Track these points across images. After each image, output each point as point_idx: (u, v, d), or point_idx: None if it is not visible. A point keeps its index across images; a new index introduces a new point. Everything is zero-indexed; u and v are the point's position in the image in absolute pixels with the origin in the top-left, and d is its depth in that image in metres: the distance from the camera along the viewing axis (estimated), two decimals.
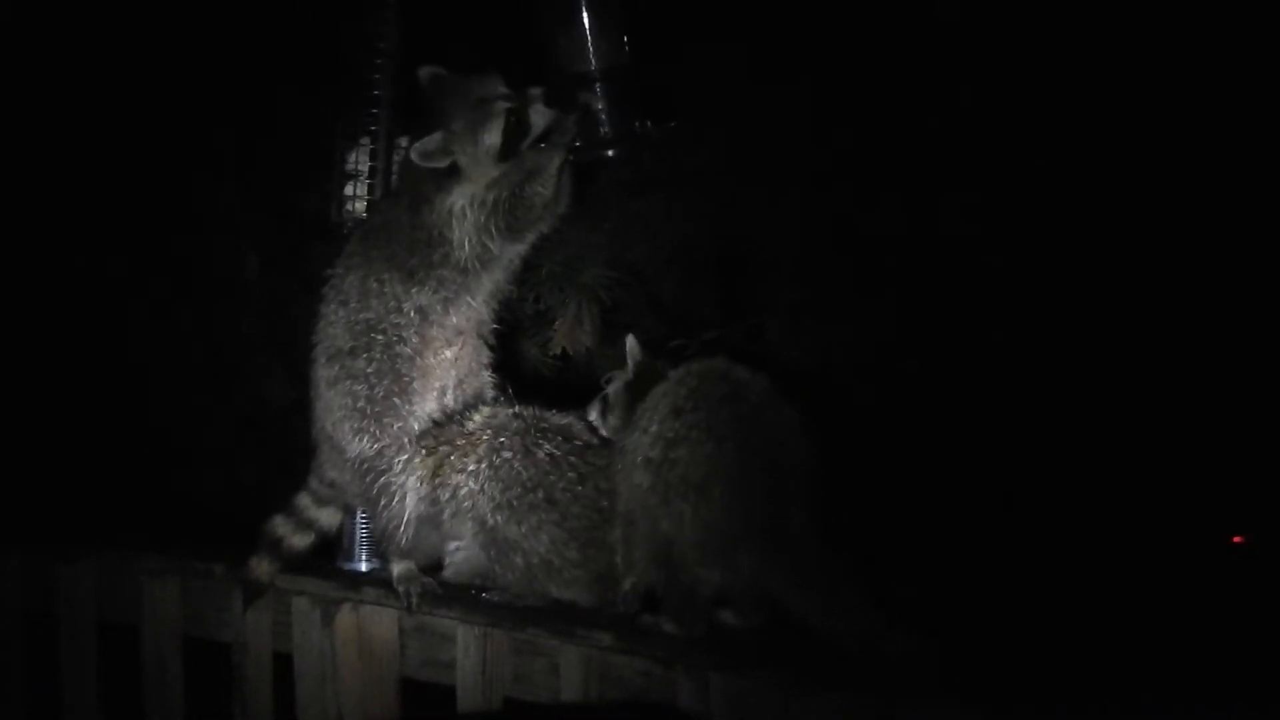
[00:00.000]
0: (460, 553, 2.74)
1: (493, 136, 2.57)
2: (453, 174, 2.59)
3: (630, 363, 2.56)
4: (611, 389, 2.57)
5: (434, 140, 2.55)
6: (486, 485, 2.53)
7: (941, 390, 3.65)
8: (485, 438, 2.56)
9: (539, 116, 2.60)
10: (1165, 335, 3.98)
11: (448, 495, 2.58)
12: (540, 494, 2.50)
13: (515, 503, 2.51)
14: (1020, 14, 3.69)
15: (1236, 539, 4.27)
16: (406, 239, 2.63)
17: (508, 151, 2.58)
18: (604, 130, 2.75)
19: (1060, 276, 3.81)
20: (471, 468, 2.55)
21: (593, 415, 2.61)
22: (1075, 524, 3.90)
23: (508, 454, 2.53)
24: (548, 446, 2.53)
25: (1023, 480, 3.81)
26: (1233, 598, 3.92)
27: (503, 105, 2.57)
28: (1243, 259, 3.96)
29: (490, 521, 2.54)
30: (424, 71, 2.63)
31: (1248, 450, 4.03)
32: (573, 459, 2.53)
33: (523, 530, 2.51)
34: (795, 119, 3.52)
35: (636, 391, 2.49)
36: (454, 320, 2.68)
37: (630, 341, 2.57)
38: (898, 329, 3.55)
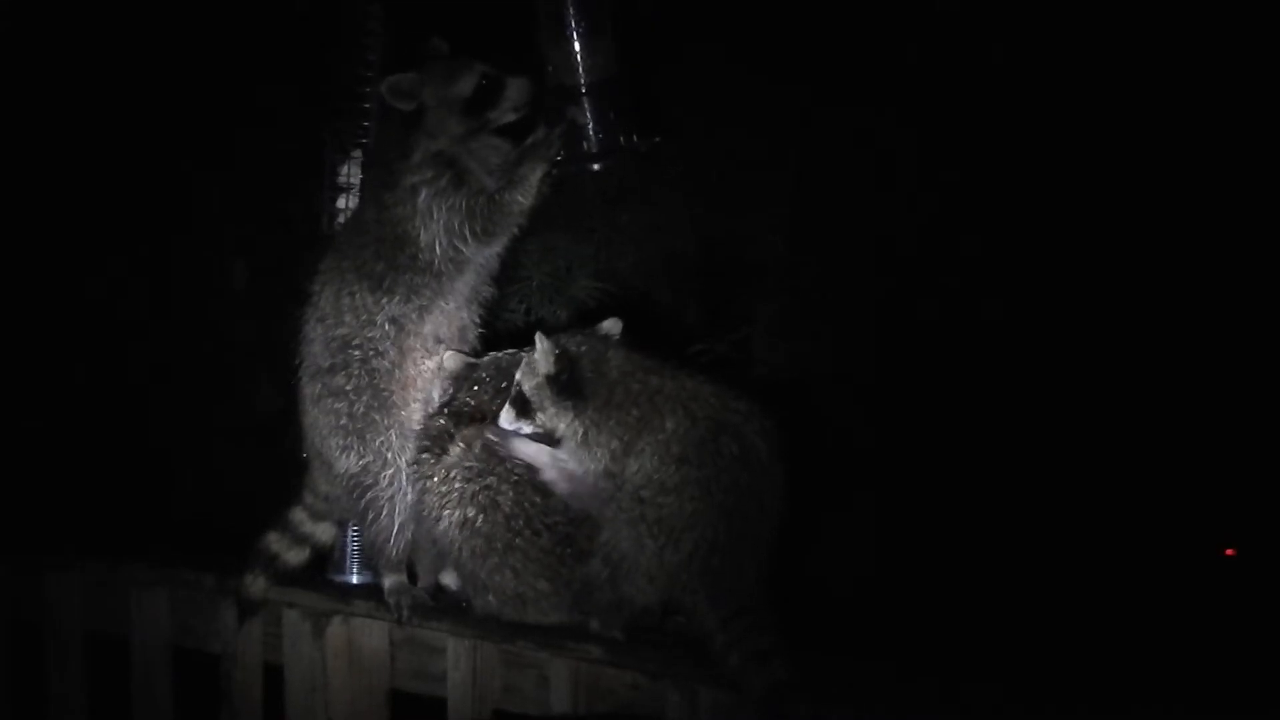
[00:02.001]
0: None
1: (463, 87, 2.59)
2: (416, 128, 2.58)
3: (549, 359, 2.42)
4: (527, 388, 2.47)
5: (407, 78, 2.57)
6: (455, 531, 2.53)
7: (928, 400, 3.66)
8: (457, 485, 2.54)
9: (515, 90, 2.61)
10: (1158, 345, 3.98)
11: (430, 525, 2.58)
12: (499, 544, 2.50)
13: (478, 550, 2.52)
14: (1013, 13, 3.70)
15: (1229, 552, 4.28)
16: (373, 241, 2.61)
17: (475, 107, 2.59)
18: (589, 145, 2.74)
19: (1049, 285, 3.82)
20: (447, 512, 2.54)
21: (505, 419, 2.51)
22: (1063, 535, 3.90)
23: (472, 510, 2.52)
24: (507, 506, 2.51)
25: (1011, 489, 3.82)
26: (1225, 610, 3.92)
27: (480, 67, 2.60)
28: (1234, 273, 3.97)
29: (454, 555, 2.56)
30: (433, 41, 2.66)
31: (1239, 464, 4.04)
32: (533, 515, 2.51)
33: (486, 571, 2.53)
34: (781, 126, 3.54)
35: (561, 383, 2.42)
36: (430, 329, 2.66)
37: (540, 339, 2.44)
38: (882, 339, 3.56)
